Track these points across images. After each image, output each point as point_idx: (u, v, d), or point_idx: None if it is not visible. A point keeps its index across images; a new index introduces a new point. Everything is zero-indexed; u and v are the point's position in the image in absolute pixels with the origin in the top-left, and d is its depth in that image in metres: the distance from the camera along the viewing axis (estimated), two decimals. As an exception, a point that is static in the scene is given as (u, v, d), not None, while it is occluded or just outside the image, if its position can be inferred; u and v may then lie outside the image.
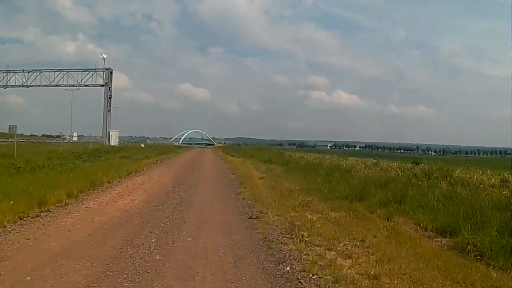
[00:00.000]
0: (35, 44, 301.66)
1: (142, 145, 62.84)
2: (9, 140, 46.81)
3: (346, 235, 8.19)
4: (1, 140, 49.79)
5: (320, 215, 10.54)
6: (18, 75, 60.23)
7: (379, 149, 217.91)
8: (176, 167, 26.97)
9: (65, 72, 60.01)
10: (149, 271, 5.77)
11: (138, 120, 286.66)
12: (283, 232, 8.38)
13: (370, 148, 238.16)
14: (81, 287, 5.11)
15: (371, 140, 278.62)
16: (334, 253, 6.95)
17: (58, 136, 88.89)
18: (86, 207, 10.89)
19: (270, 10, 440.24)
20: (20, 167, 18.36)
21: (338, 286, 5.38)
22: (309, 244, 7.36)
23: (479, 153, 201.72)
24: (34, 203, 10.02)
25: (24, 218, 8.84)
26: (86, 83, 59.86)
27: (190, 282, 5.43)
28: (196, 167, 27.72)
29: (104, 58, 60.81)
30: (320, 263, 6.30)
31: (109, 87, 59.86)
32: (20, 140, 57.81)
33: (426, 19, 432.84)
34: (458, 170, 16.97)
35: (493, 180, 14.49)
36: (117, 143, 59.44)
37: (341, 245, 7.46)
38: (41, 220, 8.90)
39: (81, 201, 11.86)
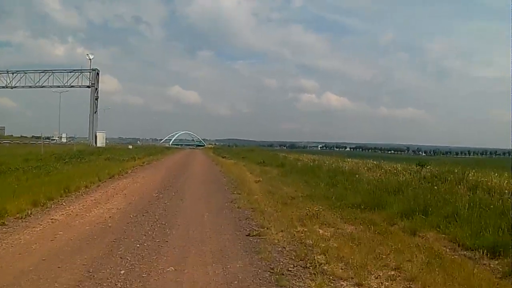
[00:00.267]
0: (24, 47, 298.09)
1: (130, 147, 60.82)
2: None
3: (373, 260, 6.33)
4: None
5: (333, 230, 8.73)
6: (2, 76, 58.11)
7: (370, 150, 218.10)
8: (164, 170, 25.04)
9: (50, 73, 57.93)
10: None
11: (129, 122, 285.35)
12: (293, 257, 6.49)
13: (360, 149, 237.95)
14: None
15: (361, 141, 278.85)
16: (369, 292, 5.12)
17: (48, 138, 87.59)
18: (51, 219, 9.09)
19: (258, 12, 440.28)
20: (-14, 171, 16.43)
21: None
22: (331, 277, 5.50)
23: (469, 154, 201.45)
24: (-14, 214, 8.19)
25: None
26: (72, 84, 57.82)
27: None
28: (185, 170, 25.75)
29: (90, 59, 58.92)
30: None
31: (96, 88, 57.86)
32: (5, 141, 56.00)
33: (415, 22, 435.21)
34: (471, 172, 15.38)
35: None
36: (104, 144, 57.45)
37: (373, 277, 5.63)
38: (-14, 238, 7.05)
39: (48, 211, 10.08)
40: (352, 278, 5.48)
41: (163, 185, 16.44)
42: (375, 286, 5.31)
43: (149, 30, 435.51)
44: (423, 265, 6.22)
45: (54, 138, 74.66)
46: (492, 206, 9.25)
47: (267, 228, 8.30)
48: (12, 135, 70.60)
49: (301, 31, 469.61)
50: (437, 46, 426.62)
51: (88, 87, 57.37)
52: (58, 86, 57.75)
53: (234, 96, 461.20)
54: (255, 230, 8.25)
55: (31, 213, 9.45)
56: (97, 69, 58.09)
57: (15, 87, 58.17)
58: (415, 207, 10.21)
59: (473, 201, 9.98)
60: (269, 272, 5.66)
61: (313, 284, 5.19)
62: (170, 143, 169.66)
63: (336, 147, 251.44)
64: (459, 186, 13.09)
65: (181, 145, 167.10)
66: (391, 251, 6.94)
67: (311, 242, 7.41)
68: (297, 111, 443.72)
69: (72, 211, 10.21)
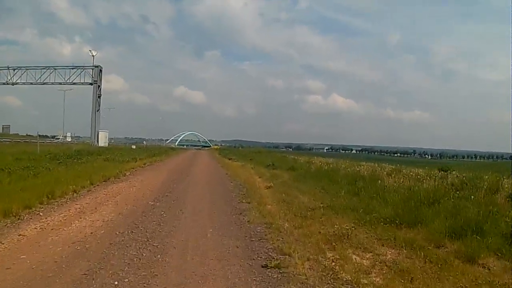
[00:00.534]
0: (31, 46, 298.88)
1: (133, 146, 59.01)
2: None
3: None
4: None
5: (371, 256, 6.86)
6: (3, 73, 56.58)
7: (376, 153, 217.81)
8: (165, 172, 23.15)
9: (52, 70, 56.32)
10: None
11: (135, 122, 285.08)
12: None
13: (366, 152, 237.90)
14: None
15: (367, 143, 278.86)
16: None
17: (53, 137, 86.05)
18: (19, 236, 7.40)
19: (265, 13, 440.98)
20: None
21: None
22: None
23: (475, 157, 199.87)
24: None
25: None
26: (74, 81, 56.14)
27: None
28: (188, 173, 23.76)
29: (93, 55, 57.05)
30: None
31: (99, 86, 56.15)
32: (5, 139, 54.44)
33: (421, 23, 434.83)
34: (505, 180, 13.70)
35: None
36: (106, 144, 55.67)
37: None
38: None
39: (19, 223, 8.36)
40: None
41: (162, 190, 14.60)
42: None
43: (156, 30, 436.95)
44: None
45: (58, 137, 73.54)
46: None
47: (289, 255, 6.41)
48: (18, 134, 69.50)
49: (307, 32, 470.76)
50: (444, 48, 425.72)
51: (91, 84, 55.66)
52: (60, 83, 56.22)
53: (240, 97, 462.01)
54: (273, 258, 6.35)
55: (-4, 227, 7.66)
56: (99, 66, 56.31)
57: (16, 83, 56.56)
58: (463, 223, 8.36)
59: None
60: None
61: None
62: (176, 143, 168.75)
63: (342, 150, 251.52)
64: (497, 196, 11.61)
65: (187, 145, 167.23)
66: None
67: (348, 277, 5.56)
68: (303, 113, 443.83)
69: (48, 223, 8.47)
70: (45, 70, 56.20)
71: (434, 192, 11.81)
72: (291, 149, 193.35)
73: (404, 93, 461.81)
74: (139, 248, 6.80)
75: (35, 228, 7.95)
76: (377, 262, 6.45)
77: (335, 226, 8.55)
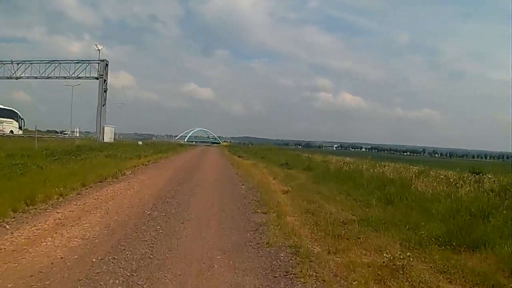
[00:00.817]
0: (40, 44, 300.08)
1: (140, 142, 57.14)
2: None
3: None
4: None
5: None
6: (7, 67, 54.91)
7: (385, 151, 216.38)
8: (170, 171, 21.15)
9: (56, 64, 54.56)
10: None
11: (145, 118, 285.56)
12: None
13: (376, 150, 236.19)
14: None
15: (376, 141, 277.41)
16: None
17: (61, 132, 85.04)
18: None
19: (274, 12, 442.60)
20: None
21: None
22: None
23: (485, 157, 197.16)
24: None
25: None
26: (79, 76, 54.38)
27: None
28: (195, 172, 21.70)
29: (99, 50, 55.07)
30: None
31: (105, 80, 54.12)
32: (10, 134, 52.71)
33: (429, 23, 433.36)
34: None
35: None
36: (112, 140, 53.78)
37: None
38: None
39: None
40: None
41: (163, 194, 12.64)
42: None
43: (164, 28, 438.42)
44: None
45: (66, 132, 72.27)
46: None
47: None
48: (27, 129, 68.21)
49: (316, 31, 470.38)
50: (452, 47, 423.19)
51: (97, 78, 53.70)
52: (65, 77, 54.36)
53: (249, 94, 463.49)
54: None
55: None
56: (106, 60, 54.27)
57: (20, 77, 54.86)
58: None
59: None
60: None
61: None
62: (185, 139, 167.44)
63: (352, 148, 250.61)
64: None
65: (196, 142, 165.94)
66: None
67: None
68: (312, 110, 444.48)
69: (12, 241, 6.61)
70: (49, 64, 54.41)
71: (485, 202, 9.83)
72: (300, 147, 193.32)
73: (412, 91, 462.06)
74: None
75: (-11, 250, 6.06)
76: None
77: (381, 251, 6.57)
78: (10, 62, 54.95)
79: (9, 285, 4.81)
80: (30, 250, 6.18)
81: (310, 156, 33.92)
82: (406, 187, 13.39)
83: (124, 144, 45.79)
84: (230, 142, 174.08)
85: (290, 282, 5.26)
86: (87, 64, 54.12)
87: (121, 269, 5.50)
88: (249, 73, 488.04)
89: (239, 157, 41.52)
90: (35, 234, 7.13)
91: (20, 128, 50.00)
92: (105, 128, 53.35)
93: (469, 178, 15.77)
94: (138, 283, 5.02)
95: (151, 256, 6.15)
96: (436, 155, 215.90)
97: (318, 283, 5.17)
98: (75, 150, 26.68)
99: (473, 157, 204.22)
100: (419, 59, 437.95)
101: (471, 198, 10.72)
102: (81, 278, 5.09)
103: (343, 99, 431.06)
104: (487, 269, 6.09)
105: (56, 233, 7.27)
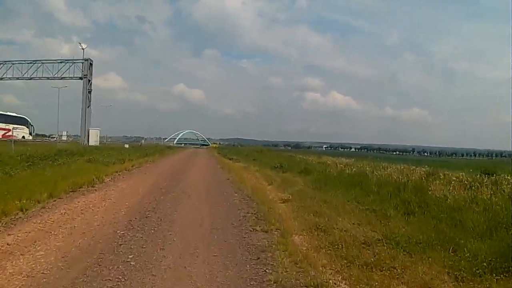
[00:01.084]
0: (29, 46, 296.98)
1: (127, 146, 55.04)
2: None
3: None
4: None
5: None
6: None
7: (375, 151, 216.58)
8: (155, 176, 19.22)
9: (39, 64, 52.40)
10: None
11: (134, 120, 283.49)
12: None
13: (366, 150, 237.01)
14: None
15: (366, 141, 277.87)
16: None
17: (49, 136, 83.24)
18: None
19: (264, 13, 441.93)
20: None
21: None
22: None
23: (475, 155, 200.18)
24: None
25: None
26: (63, 76, 52.23)
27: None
28: (183, 177, 19.65)
29: (83, 48, 52.98)
30: None
31: (89, 80, 51.99)
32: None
33: (421, 22, 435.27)
34: None
35: None
36: (97, 143, 51.72)
37: None
38: None
39: None
40: None
41: (143, 206, 10.77)
42: None
43: (153, 30, 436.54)
44: None
45: (54, 136, 70.49)
46: None
47: None
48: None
49: (306, 31, 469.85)
50: (444, 47, 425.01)
51: (81, 78, 51.45)
52: (48, 78, 52.17)
53: (239, 95, 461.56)
54: None
55: None
56: (90, 59, 52.11)
57: (2, 78, 52.63)
58: None
59: None
60: None
61: None
62: (175, 142, 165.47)
63: (341, 148, 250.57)
64: None
65: (185, 144, 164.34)
66: None
67: None
68: (302, 111, 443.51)
69: None
70: (32, 64, 52.25)
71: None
72: (290, 148, 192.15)
73: (403, 91, 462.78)
74: None
75: None
76: None
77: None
78: (-9, 63, 52.82)
79: None
80: None
81: (304, 157, 32.10)
82: (422, 193, 11.75)
83: (109, 147, 43.87)
84: (220, 143, 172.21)
85: None
86: (71, 64, 52.01)
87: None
88: (240, 74, 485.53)
89: (230, 159, 39.56)
90: (-35, 271, 5.33)
91: (30, 134, 55.84)
92: (90, 130, 51.33)
93: (484, 180, 14.28)
94: None
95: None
96: (426, 154, 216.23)
97: None
98: (54, 155, 24.72)
99: (462, 155, 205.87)
100: (410, 58, 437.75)
101: (501, 205, 9.08)
102: None
103: (334, 99, 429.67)
104: None
105: (-5, 268, 5.45)
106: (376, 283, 5.11)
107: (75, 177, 14.90)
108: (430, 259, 6.21)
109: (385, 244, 7.05)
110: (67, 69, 52.11)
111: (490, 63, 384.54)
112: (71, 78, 52.28)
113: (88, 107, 52.07)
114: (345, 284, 5.19)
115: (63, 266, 5.69)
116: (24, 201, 10.01)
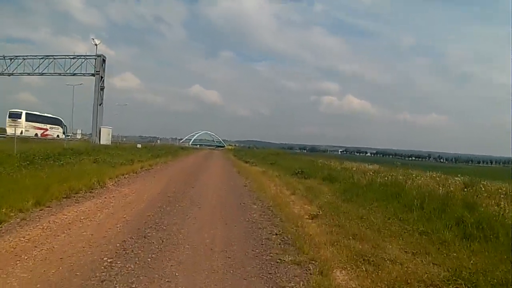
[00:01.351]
0: (46, 45, 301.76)
1: (139, 145, 53.28)
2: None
3: None
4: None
5: None
6: (-1, 63, 51.52)
7: (391, 156, 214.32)
8: (164, 181, 17.38)
9: (51, 59, 51.01)
10: None
11: (150, 120, 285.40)
12: None
13: (381, 155, 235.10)
14: None
15: (381, 146, 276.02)
16: None
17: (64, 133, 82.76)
18: None
19: (280, 15, 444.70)
20: None
21: None
22: None
23: (491, 163, 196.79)
24: None
25: None
26: (75, 72, 50.77)
27: None
28: (194, 183, 17.57)
29: (96, 44, 51.48)
30: None
31: (101, 77, 50.35)
32: (2, 135, 49.28)
33: (436, 26, 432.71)
34: None
35: None
36: (109, 142, 50.04)
37: None
38: None
39: None
40: None
41: (144, 220, 8.95)
42: None
43: (170, 30, 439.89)
44: None
45: (68, 134, 69.70)
46: None
47: None
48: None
49: (322, 34, 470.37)
50: (459, 51, 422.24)
51: (93, 75, 49.90)
52: (60, 74, 50.72)
53: (254, 97, 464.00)
54: None
55: None
56: (102, 55, 50.49)
57: (12, 74, 51.25)
58: None
59: None
60: None
61: None
62: (190, 143, 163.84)
63: (357, 152, 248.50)
64: None
65: (201, 145, 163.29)
66: None
67: None
68: (318, 114, 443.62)
69: None
70: (43, 59, 50.88)
71: None
72: (305, 151, 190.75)
73: (419, 95, 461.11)
74: None
75: None
76: None
77: None
78: (2, 57, 51.52)
79: None
80: None
81: (325, 162, 29.94)
82: (473, 209, 9.78)
83: (121, 147, 42.16)
84: (235, 145, 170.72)
85: None
86: (83, 59, 50.52)
87: None
88: (255, 76, 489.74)
89: (246, 162, 37.61)
90: None
91: (63, 133, 58.77)
92: (102, 129, 49.69)
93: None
94: None
95: None
96: (442, 160, 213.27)
97: None
98: (58, 154, 23.01)
99: (478, 162, 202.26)
100: (425, 62, 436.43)
101: None
102: None
103: (349, 103, 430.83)
104: None
105: None
106: None
107: (73, 180, 13.18)
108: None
109: (458, 286, 5.14)
110: (79, 65, 50.61)
111: (507, 68, 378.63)
112: (83, 74, 50.80)
113: (100, 104, 50.51)
114: None
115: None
116: (4, 210, 8.32)
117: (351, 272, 5.89)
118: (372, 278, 5.55)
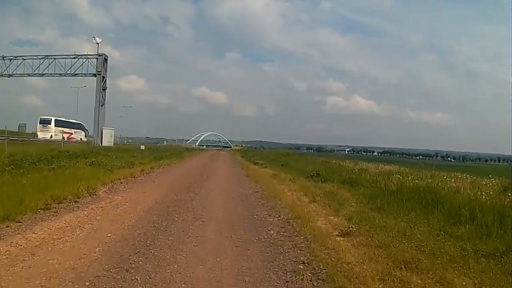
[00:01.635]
0: (53, 46, 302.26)
1: (142, 147, 51.49)
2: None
3: None
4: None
5: None
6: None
7: (398, 155, 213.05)
8: (165, 186, 15.43)
9: (51, 59, 49.15)
10: None
11: (157, 121, 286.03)
12: None
13: (388, 154, 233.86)
14: None
15: (388, 145, 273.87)
16: None
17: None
18: None
19: (286, 14, 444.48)
20: None
21: None
22: None
23: (499, 161, 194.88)
24: None
25: None
26: (75, 72, 48.89)
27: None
28: (198, 189, 15.31)
29: (97, 43, 49.52)
30: None
31: (103, 77, 48.31)
32: (1, 137, 47.85)
33: (443, 24, 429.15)
34: None
35: None
36: (111, 143, 48.28)
37: None
38: None
39: None
40: None
41: (131, 241, 7.02)
42: None
43: (176, 31, 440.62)
44: None
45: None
46: None
47: None
48: (35, 133, 66.35)
49: (329, 33, 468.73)
50: (466, 48, 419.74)
51: (94, 75, 48.00)
52: (60, 74, 48.84)
53: (260, 98, 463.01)
54: None
55: None
56: (104, 55, 48.44)
57: (12, 75, 49.39)
58: None
59: None
60: None
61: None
62: (197, 144, 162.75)
63: (364, 151, 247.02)
64: None
65: (207, 146, 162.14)
66: None
67: None
68: (324, 114, 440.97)
69: None
70: (43, 59, 49.04)
71: None
72: (312, 151, 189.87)
73: (425, 94, 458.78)
74: None
75: None
76: None
77: None
78: (1, 58, 49.77)
79: None
80: None
81: (341, 163, 27.69)
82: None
83: (122, 148, 40.33)
84: (242, 146, 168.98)
85: None
86: (85, 59, 48.61)
87: None
88: (262, 76, 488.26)
89: (255, 164, 35.53)
90: None
91: (85, 136, 62.59)
92: (104, 130, 47.79)
93: None
94: None
95: None
96: (449, 158, 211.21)
97: None
98: (51, 157, 21.14)
99: (486, 160, 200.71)
100: (432, 60, 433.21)
101: None
102: None
103: (356, 102, 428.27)
104: None
105: None
106: None
107: (58, 187, 11.34)
108: None
109: None
110: (80, 65, 48.72)
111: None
112: (84, 75, 48.84)
113: (102, 105, 48.51)
114: None
115: None
116: None
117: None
118: None
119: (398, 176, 15.52)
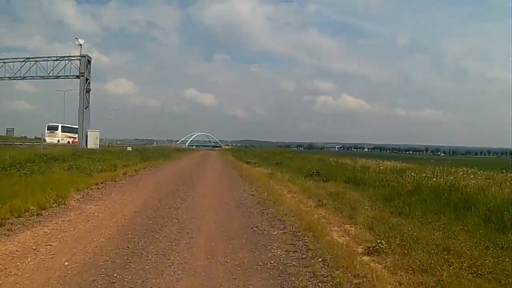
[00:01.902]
0: (40, 52, 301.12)
1: (129, 148, 49.77)
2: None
3: None
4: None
5: None
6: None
7: (388, 151, 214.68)
8: (148, 191, 13.60)
9: (33, 62, 47.08)
10: None
11: (146, 123, 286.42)
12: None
13: (378, 150, 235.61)
14: None
15: (378, 141, 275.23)
16: None
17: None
18: None
19: (273, 17, 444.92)
20: None
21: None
22: None
23: (489, 154, 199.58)
24: None
25: None
26: (58, 75, 46.89)
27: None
28: (185, 194, 13.38)
29: (80, 44, 47.66)
30: None
31: (87, 79, 46.39)
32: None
33: (431, 23, 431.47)
34: None
35: None
36: (97, 146, 46.62)
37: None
38: None
39: None
40: None
41: (96, 273, 5.27)
42: None
43: (164, 35, 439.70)
44: None
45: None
46: None
47: None
48: (26, 137, 66.11)
49: (317, 34, 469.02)
50: (455, 47, 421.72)
51: (78, 77, 46.04)
52: (42, 77, 46.82)
53: (251, 99, 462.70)
54: None
55: None
56: (87, 55, 46.28)
57: (-10, 80, 47.55)
58: None
59: None
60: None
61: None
62: (187, 144, 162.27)
63: (354, 148, 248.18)
64: None
65: (197, 146, 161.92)
66: None
67: None
68: (314, 113, 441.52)
69: None
70: (24, 62, 46.90)
71: None
72: (302, 148, 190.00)
73: (415, 92, 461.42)
74: None
75: None
76: None
77: None
78: (-19, 62, 47.65)
79: None
80: None
81: (337, 160, 25.97)
82: None
83: (108, 150, 38.59)
84: (232, 145, 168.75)
85: None
86: (67, 61, 46.59)
87: None
88: (251, 78, 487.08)
89: (247, 163, 33.81)
90: None
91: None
92: (89, 133, 46.06)
93: None
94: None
95: None
96: (439, 153, 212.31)
97: None
98: (25, 161, 19.27)
99: (476, 154, 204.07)
100: (422, 59, 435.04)
101: None
102: None
103: (346, 102, 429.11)
104: None
105: None
106: None
107: (23, 197, 9.57)
108: None
109: None
110: (63, 68, 46.73)
111: (501, 63, 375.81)
112: (66, 77, 46.92)
113: (86, 107, 46.54)
114: None
115: None
116: None
117: None
118: None
119: (413, 174, 13.82)
